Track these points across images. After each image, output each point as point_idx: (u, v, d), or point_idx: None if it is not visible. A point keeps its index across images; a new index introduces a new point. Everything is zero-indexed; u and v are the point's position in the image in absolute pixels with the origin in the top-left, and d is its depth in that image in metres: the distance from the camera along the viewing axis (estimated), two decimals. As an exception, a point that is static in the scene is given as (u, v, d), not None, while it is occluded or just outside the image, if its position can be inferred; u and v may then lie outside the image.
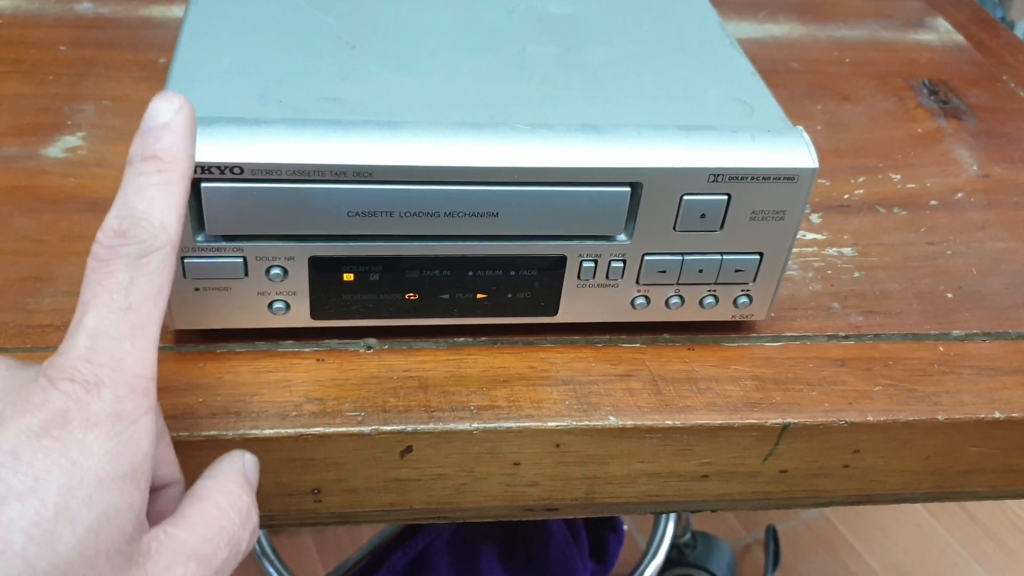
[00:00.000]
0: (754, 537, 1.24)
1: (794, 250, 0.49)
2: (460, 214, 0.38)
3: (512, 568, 0.83)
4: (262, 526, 0.36)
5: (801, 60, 0.67)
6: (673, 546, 1.06)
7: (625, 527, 0.87)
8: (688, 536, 1.09)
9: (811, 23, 0.73)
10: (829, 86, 0.65)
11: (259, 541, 1.00)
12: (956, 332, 0.46)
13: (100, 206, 0.47)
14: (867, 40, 0.71)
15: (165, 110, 0.31)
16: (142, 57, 0.59)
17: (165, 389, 0.38)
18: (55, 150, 0.51)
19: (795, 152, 0.39)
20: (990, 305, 0.48)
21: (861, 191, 0.55)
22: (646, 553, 0.98)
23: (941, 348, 0.45)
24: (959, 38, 0.73)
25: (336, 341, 0.41)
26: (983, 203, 0.55)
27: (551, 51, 0.44)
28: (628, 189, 0.38)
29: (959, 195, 0.55)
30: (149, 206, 0.30)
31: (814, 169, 0.39)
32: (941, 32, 0.73)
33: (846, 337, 0.45)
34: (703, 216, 0.39)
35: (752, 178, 0.38)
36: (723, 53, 0.46)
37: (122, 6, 0.64)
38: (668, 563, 1.06)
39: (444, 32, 0.45)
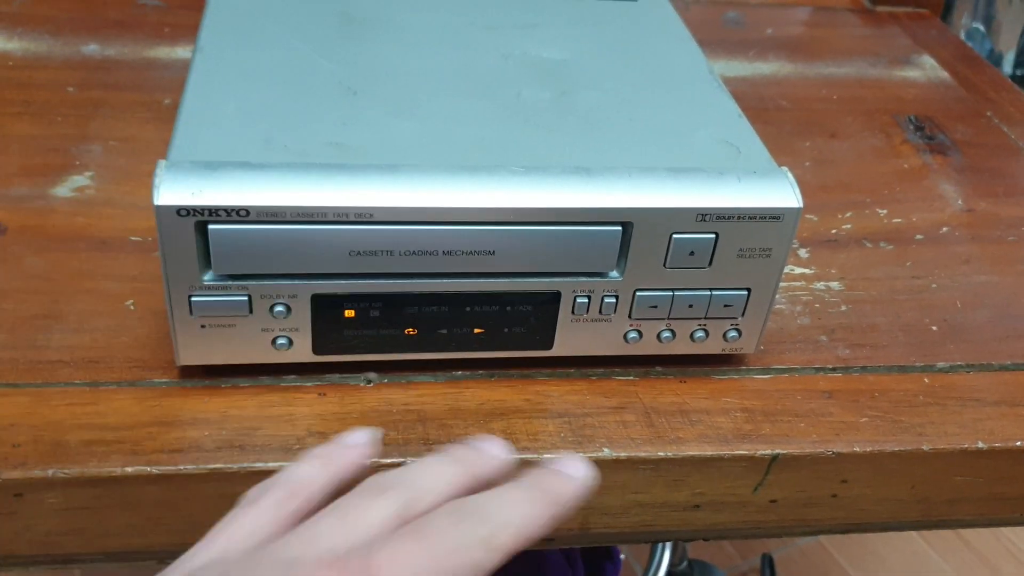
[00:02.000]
0: (750, 565, 1.24)
1: (782, 284, 0.51)
2: (458, 252, 0.39)
3: (510, 598, 0.83)
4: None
5: (790, 98, 0.69)
6: (670, 574, 1.07)
7: (622, 556, 0.88)
8: (684, 564, 1.10)
9: (799, 61, 0.74)
10: (817, 123, 0.66)
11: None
12: (941, 364, 0.47)
13: (109, 244, 0.49)
14: (854, 77, 0.73)
15: (579, 471, 0.34)
16: (147, 98, 0.61)
17: (171, 423, 0.39)
18: (64, 190, 0.52)
19: (780, 192, 0.40)
20: (974, 338, 0.49)
21: (848, 226, 0.56)
22: None
23: (926, 380, 0.46)
24: (944, 75, 0.75)
25: (337, 375, 0.42)
26: (967, 237, 0.56)
27: (545, 96, 0.45)
28: (619, 228, 0.39)
29: (944, 229, 0.57)
30: (503, 504, 0.31)
31: (799, 208, 0.40)
32: (927, 69, 0.75)
33: (833, 369, 0.46)
34: (692, 254, 0.41)
35: (739, 217, 0.40)
36: (711, 96, 0.47)
37: (128, 48, 0.66)
38: (665, 591, 1.07)
39: (442, 77, 0.46)
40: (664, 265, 0.41)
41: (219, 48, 0.46)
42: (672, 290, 0.42)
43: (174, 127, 0.40)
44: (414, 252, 0.39)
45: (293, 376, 0.42)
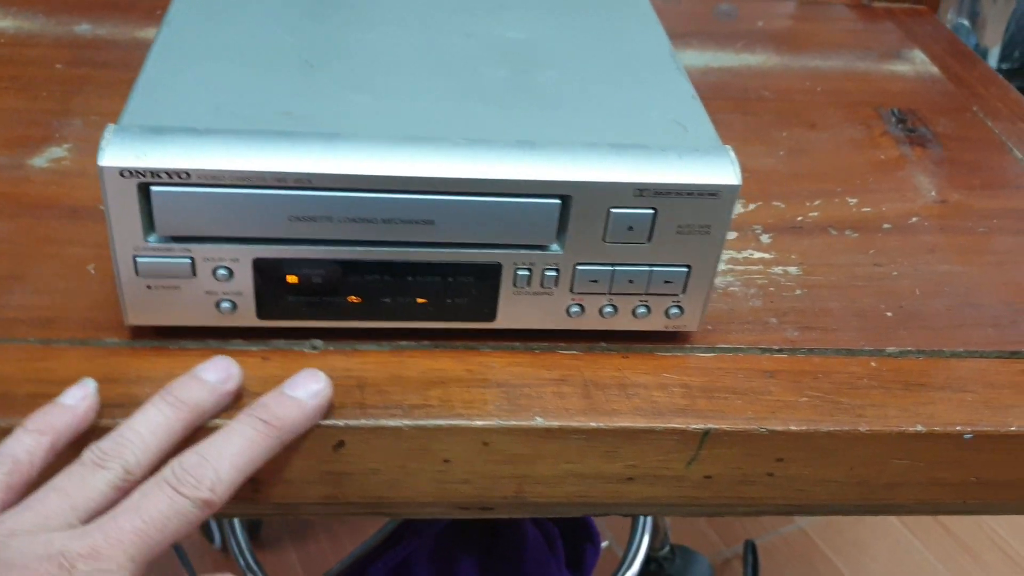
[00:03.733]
0: (733, 552, 1.25)
1: (739, 268, 0.51)
2: (397, 221, 0.40)
3: (491, 578, 0.84)
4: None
5: (773, 89, 0.69)
6: (652, 559, 1.07)
7: (605, 542, 0.88)
8: (667, 549, 1.11)
9: (786, 54, 0.74)
10: (798, 114, 0.66)
11: (243, 556, 1.03)
12: (891, 349, 0.47)
13: (78, 213, 0.50)
14: (841, 70, 0.73)
15: (306, 389, 0.39)
16: (133, 76, 0.61)
17: (117, 380, 0.41)
18: (41, 160, 0.54)
19: (719, 170, 0.41)
20: (929, 325, 0.49)
21: (816, 214, 0.56)
22: (622, 564, 0.99)
23: (873, 363, 0.46)
24: (934, 69, 0.74)
25: (283, 341, 0.43)
26: (936, 227, 0.56)
27: (503, 74, 0.46)
28: (558, 201, 0.40)
29: (913, 219, 0.57)
30: (221, 458, 0.36)
31: (737, 186, 0.40)
32: (916, 64, 0.75)
33: (779, 350, 0.46)
34: (631, 229, 0.41)
35: (676, 193, 0.40)
36: (668, 79, 0.48)
37: (119, 28, 0.68)
38: (647, 576, 1.08)
39: (403, 55, 0.47)
40: (604, 239, 0.41)
41: (186, 22, 0.48)
42: (612, 265, 0.42)
43: (129, 94, 0.41)
44: (353, 219, 0.39)
45: (240, 340, 0.43)
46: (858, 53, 0.76)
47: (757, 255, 0.52)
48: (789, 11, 0.83)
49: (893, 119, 0.67)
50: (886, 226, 0.56)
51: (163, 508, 0.34)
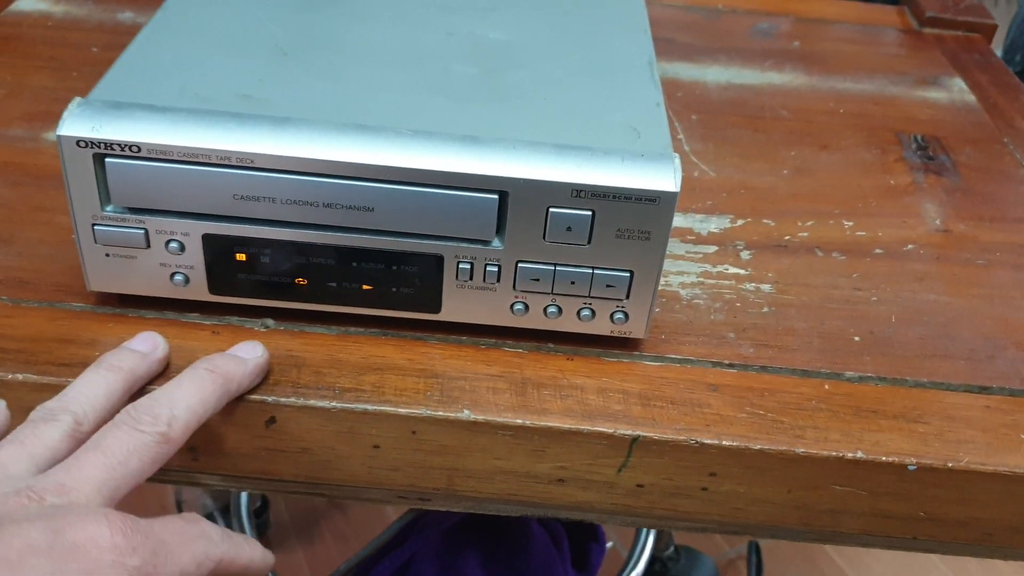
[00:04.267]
0: (737, 552, 1.24)
1: (710, 281, 0.51)
2: (337, 206, 0.41)
3: (497, 576, 0.84)
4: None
5: (791, 108, 0.68)
6: (656, 559, 1.06)
7: (609, 543, 0.87)
8: (671, 550, 1.10)
9: (816, 75, 0.73)
10: (811, 134, 0.65)
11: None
12: (849, 373, 0.46)
13: (77, 185, 0.53)
14: (869, 94, 0.71)
15: (246, 352, 0.41)
16: (160, 62, 0.65)
17: (71, 341, 0.43)
18: (54, 135, 0.56)
19: (659, 176, 0.40)
20: (897, 352, 0.47)
21: (805, 234, 0.55)
22: (626, 564, 0.98)
23: (827, 387, 0.45)
24: (971, 98, 0.72)
25: (236, 318, 0.45)
26: (931, 256, 0.54)
27: (472, 71, 0.47)
28: (496, 196, 0.41)
29: (908, 247, 0.55)
30: (173, 400, 0.37)
31: (674, 193, 0.40)
32: (953, 91, 0.73)
33: (730, 365, 0.45)
34: (569, 229, 0.41)
35: (614, 197, 0.40)
36: (638, 86, 0.47)
37: (159, 17, 0.71)
38: (652, 576, 1.07)
39: (379, 49, 0.48)
40: (544, 238, 0.42)
41: (181, 7, 0.50)
42: (553, 264, 0.42)
43: (106, 71, 0.44)
44: (294, 201, 0.41)
45: (196, 314, 0.45)
46: (892, 78, 0.74)
47: (732, 270, 0.52)
48: (839, 34, 0.82)
49: (913, 145, 0.65)
50: (877, 251, 0.54)
51: (123, 443, 0.35)
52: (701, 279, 0.51)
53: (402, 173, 0.40)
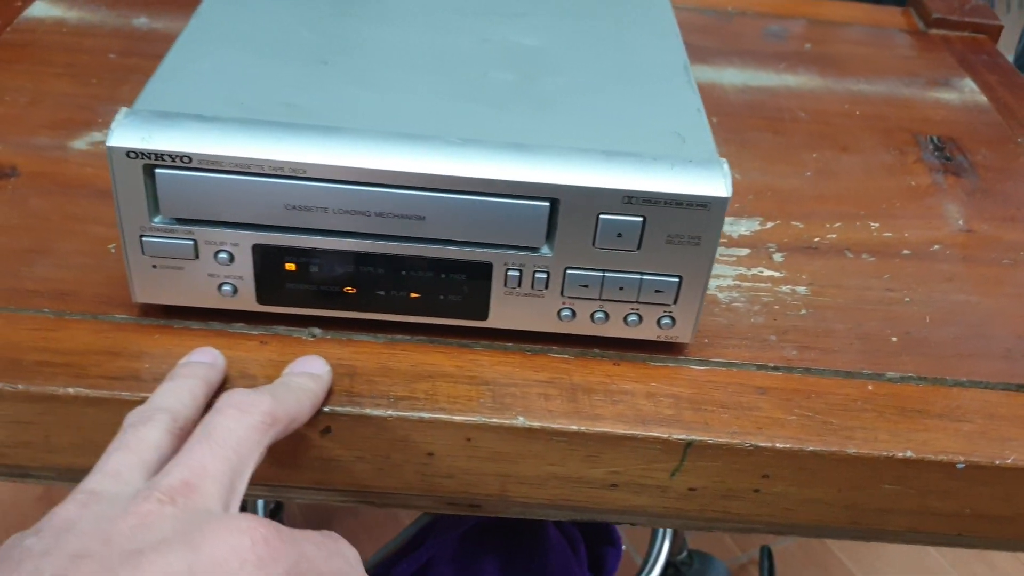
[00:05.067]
0: (749, 557, 1.25)
1: (746, 284, 0.51)
2: (389, 215, 0.41)
3: (515, 580, 0.84)
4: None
5: (809, 110, 0.69)
6: (670, 564, 1.07)
7: (623, 547, 0.88)
8: (685, 555, 1.11)
9: (830, 77, 0.74)
10: (831, 136, 0.66)
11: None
12: (891, 374, 0.46)
13: (108, 194, 0.52)
14: (883, 96, 0.72)
15: (314, 367, 0.42)
16: (180, 69, 0.65)
17: (119, 354, 0.42)
18: (81, 143, 0.56)
19: (710, 182, 0.41)
20: (934, 352, 0.48)
21: (834, 236, 0.56)
22: (642, 569, 0.99)
23: (870, 387, 0.45)
24: (982, 99, 0.73)
25: (283, 327, 0.45)
26: (958, 256, 0.55)
27: (509, 78, 0.47)
28: (547, 204, 0.41)
29: (935, 247, 0.56)
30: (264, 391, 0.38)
31: (726, 199, 0.40)
32: (964, 92, 0.74)
33: (775, 368, 0.46)
34: (620, 235, 0.41)
35: (665, 203, 0.40)
36: (676, 90, 0.48)
37: (175, 22, 0.71)
38: (665, 580, 1.08)
39: (415, 55, 0.48)
40: (593, 245, 0.42)
41: (215, 14, 0.50)
42: (602, 271, 0.42)
43: (148, 80, 0.43)
44: (346, 211, 0.41)
45: (242, 324, 0.45)
46: (904, 79, 0.75)
47: (767, 273, 0.52)
48: (844, 36, 0.83)
49: (930, 146, 0.66)
50: (905, 252, 0.55)
51: (232, 429, 0.34)
52: (737, 282, 0.51)
53: (454, 182, 0.40)
